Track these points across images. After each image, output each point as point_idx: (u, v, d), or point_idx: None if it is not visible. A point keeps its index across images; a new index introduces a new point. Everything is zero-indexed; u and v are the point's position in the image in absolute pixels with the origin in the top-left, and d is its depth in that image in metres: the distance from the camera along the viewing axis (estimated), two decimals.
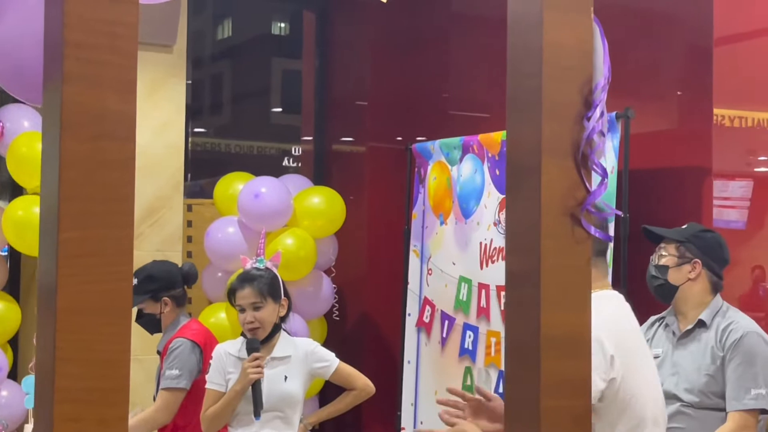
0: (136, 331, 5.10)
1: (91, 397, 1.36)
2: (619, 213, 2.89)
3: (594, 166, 1.81)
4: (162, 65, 5.46)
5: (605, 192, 1.86)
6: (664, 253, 3.63)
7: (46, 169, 1.43)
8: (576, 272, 1.81)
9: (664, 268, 3.62)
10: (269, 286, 3.86)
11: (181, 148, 5.55)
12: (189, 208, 5.82)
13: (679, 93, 4.59)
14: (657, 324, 3.75)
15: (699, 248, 3.59)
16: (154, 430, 4.13)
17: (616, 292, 2.74)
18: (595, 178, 1.79)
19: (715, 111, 4.29)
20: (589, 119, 1.78)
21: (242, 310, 3.84)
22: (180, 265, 4.54)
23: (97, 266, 1.36)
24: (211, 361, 3.90)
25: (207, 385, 3.87)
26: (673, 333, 3.65)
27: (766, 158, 4.84)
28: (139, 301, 4.22)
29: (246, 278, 3.87)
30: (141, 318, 4.28)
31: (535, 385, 1.71)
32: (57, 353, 1.35)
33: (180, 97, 5.54)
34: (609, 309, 2.67)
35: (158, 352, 4.27)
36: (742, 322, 3.53)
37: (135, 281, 4.23)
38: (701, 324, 3.57)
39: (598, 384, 2.56)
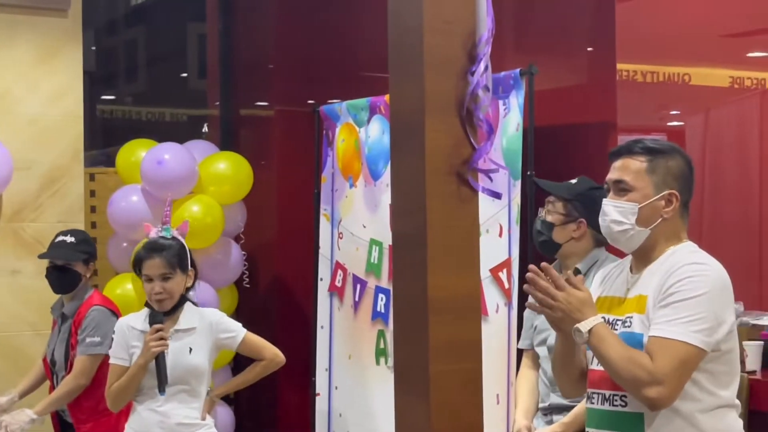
0: (40, 304, 4.99)
1: None
2: (505, 168, 2.83)
3: (479, 123, 1.76)
4: (56, 30, 5.28)
5: (491, 148, 1.82)
6: (551, 209, 3.65)
7: None
8: (463, 233, 1.76)
9: (549, 225, 3.64)
10: (178, 257, 3.78)
11: (80, 116, 5.37)
12: (91, 177, 5.67)
13: (582, 48, 4.58)
14: None
15: (586, 207, 3.58)
16: (76, 394, 4.29)
17: (696, 245, 2.65)
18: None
19: (619, 66, 4.30)
20: (473, 74, 1.72)
21: (149, 280, 3.74)
22: None
23: None
24: (113, 336, 3.81)
25: (111, 360, 3.79)
26: None
27: (667, 112, 4.90)
28: (76, 259, 4.36)
29: (154, 248, 3.77)
30: (62, 272, 4.38)
31: (423, 350, 1.66)
32: None
33: (77, 64, 5.36)
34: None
35: (63, 315, 4.37)
36: None
37: (72, 239, 4.40)
38: (576, 273, 3.56)
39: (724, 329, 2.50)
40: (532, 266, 2.43)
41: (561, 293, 2.46)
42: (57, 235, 4.47)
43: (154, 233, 3.87)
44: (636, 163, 2.58)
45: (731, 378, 2.56)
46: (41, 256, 4.47)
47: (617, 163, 2.62)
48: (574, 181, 3.67)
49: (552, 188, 3.67)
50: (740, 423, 2.60)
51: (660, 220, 2.57)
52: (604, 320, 2.58)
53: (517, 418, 3.57)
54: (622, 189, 2.59)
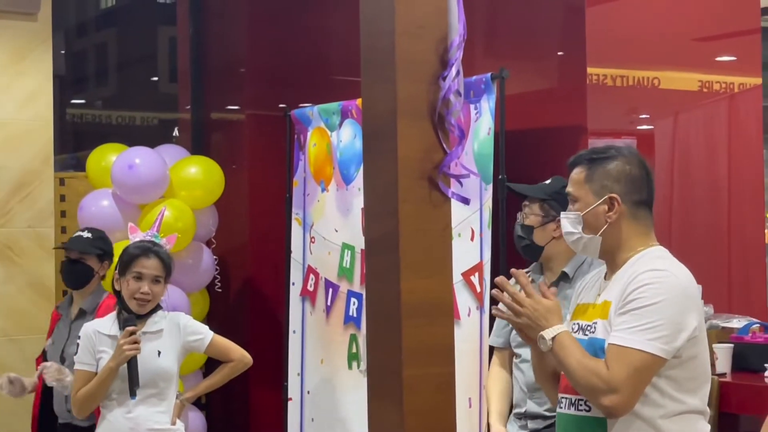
0: (10, 310, 4.95)
1: None
2: (477, 174, 2.85)
3: (451, 127, 1.76)
4: (26, 34, 5.25)
5: (462, 153, 1.82)
6: (528, 212, 3.62)
7: None
8: (435, 237, 1.76)
9: (529, 228, 3.60)
10: (170, 266, 3.81)
11: (50, 119, 5.35)
12: (62, 181, 5.63)
13: (553, 52, 4.60)
14: None
15: (562, 205, 3.56)
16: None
17: (665, 250, 2.63)
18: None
19: (589, 70, 4.32)
20: (444, 79, 1.73)
21: (138, 279, 3.72)
22: None
23: None
24: (78, 341, 3.78)
25: (76, 366, 3.76)
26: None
27: (637, 116, 4.92)
28: (89, 252, 4.32)
29: (152, 249, 3.77)
30: (76, 265, 4.34)
31: (396, 354, 1.66)
32: None
33: (47, 67, 5.33)
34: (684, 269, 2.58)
35: (81, 310, 4.32)
36: None
37: (89, 235, 4.39)
38: (564, 277, 3.54)
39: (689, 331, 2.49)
40: (500, 277, 2.45)
41: (528, 300, 2.49)
42: (75, 232, 4.50)
43: (141, 236, 3.86)
44: (577, 175, 2.65)
45: (698, 384, 2.56)
46: (57, 247, 4.46)
47: (570, 176, 2.69)
48: (548, 181, 3.66)
49: (526, 190, 3.65)
50: (708, 429, 2.59)
51: (607, 225, 2.59)
52: (578, 326, 2.61)
53: (492, 422, 3.55)
54: (571, 201, 2.66)
